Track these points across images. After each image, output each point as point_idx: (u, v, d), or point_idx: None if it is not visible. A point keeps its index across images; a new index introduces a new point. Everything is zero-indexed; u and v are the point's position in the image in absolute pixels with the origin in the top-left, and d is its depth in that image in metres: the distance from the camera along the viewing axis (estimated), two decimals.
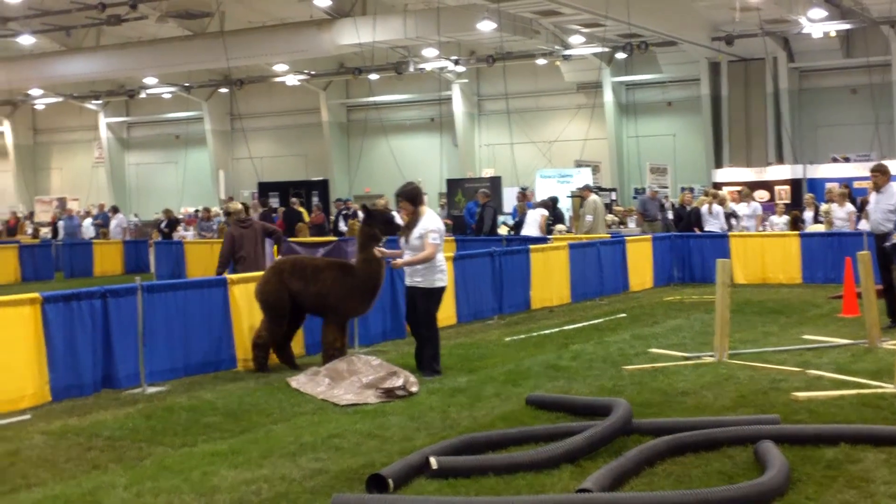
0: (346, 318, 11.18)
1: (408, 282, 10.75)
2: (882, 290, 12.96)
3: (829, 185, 26.51)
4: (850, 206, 21.30)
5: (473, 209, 25.43)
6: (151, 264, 26.03)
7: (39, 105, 50.24)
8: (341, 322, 11.06)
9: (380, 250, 10.82)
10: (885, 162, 31.72)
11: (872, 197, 13.34)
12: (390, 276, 12.75)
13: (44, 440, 8.21)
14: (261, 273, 11.69)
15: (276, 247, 13.92)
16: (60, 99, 47.62)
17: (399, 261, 10.70)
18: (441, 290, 10.76)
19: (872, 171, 13.31)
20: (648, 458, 6.85)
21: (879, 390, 9.06)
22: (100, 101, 48.37)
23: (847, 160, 34.52)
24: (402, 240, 10.74)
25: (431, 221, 10.64)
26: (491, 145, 42.85)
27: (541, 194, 29.42)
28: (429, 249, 10.44)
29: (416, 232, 10.55)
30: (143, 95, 45.71)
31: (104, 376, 10.31)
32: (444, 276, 10.75)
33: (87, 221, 34.15)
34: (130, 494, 6.54)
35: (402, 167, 37.67)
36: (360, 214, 25.11)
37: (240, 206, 14.43)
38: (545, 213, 23.52)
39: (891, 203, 12.86)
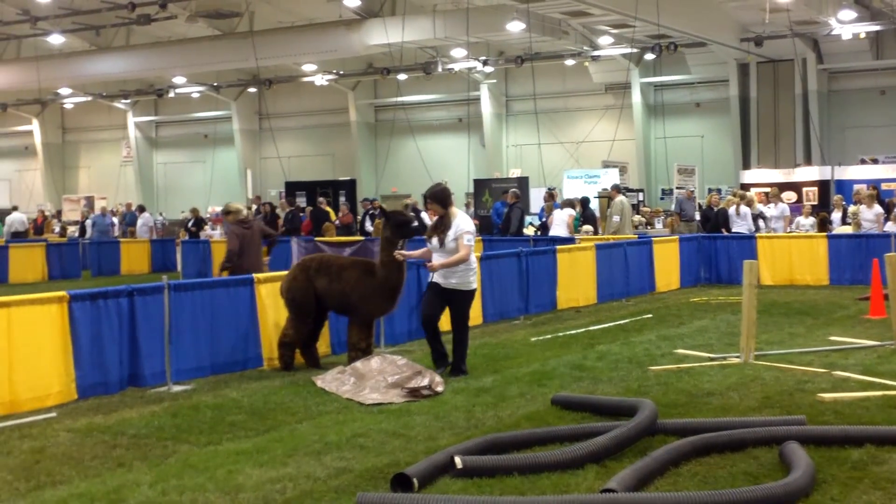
0: (368, 317, 11.08)
1: (443, 283, 10.52)
2: None
3: (857, 187, 26.33)
4: (878, 208, 21.16)
5: (500, 209, 25.38)
6: (178, 263, 26.16)
7: (68, 104, 50.65)
8: (365, 321, 11.02)
9: (400, 253, 10.68)
10: None
11: None
12: (417, 276, 12.77)
13: (69, 438, 8.27)
14: (285, 272, 11.72)
15: (265, 248, 13.98)
16: (89, 98, 47.97)
17: (435, 263, 10.49)
18: (475, 291, 10.78)
19: None
20: (674, 458, 6.83)
21: None
22: (128, 101, 48.71)
23: (875, 162, 34.28)
24: (435, 241, 10.55)
25: (465, 223, 10.56)
26: (518, 146, 42.84)
27: (568, 195, 29.32)
28: (463, 251, 10.37)
29: (451, 234, 10.43)
30: (171, 95, 45.96)
31: (130, 374, 10.36)
32: (476, 277, 10.78)
33: (140, 220, 34.04)
34: (155, 492, 6.58)
35: (430, 167, 37.70)
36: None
37: (240, 206, 14.46)
38: (572, 212, 23.48)
39: None
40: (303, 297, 11.11)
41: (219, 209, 38.48)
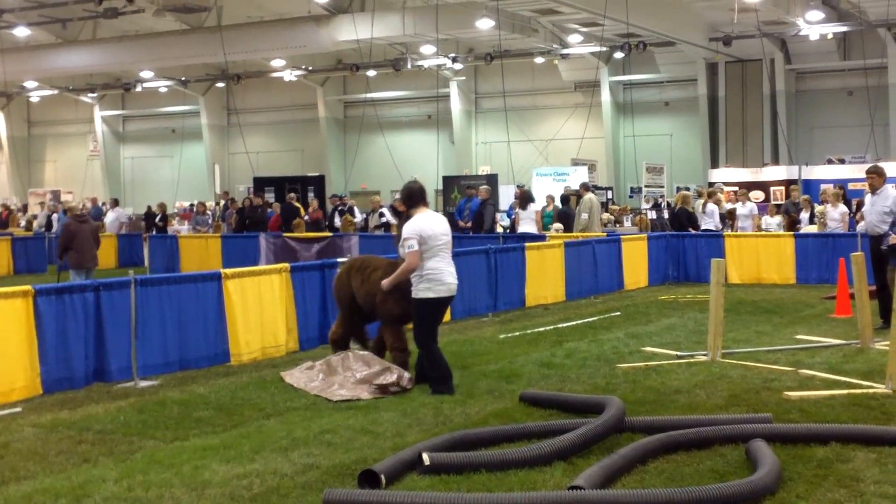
0: (387, 319, 10.31)
1: None
2: (875, 291, 12.95)
3: (823, 187, 26.53)
4: (843, 207, 21.33)
5: (462, 206, 25.27)
6: (145, 258, 25.99)
7: (34, 97, 50.15)
8: (389, 323, 10.31)
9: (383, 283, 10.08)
10: (880, 164, 31.82)
11: (868, 198, 13.32)
12: None
13: (34, 433, 8.19)
14: (252, 267, 11.65)
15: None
16: (56, 91, 47.54)
17: (384, 281, 9.94)
18: (426, 302, 9.48)
19: (868, 172, 13.27)
20: (641, 456, 6.86)
21: (870, 390, 9.08)
22: (95, 94, 48.36)
23: (842, 162, 34.57)
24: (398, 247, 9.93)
25: (409, 227, 9.51)
26: (488, 143, 42.87)
27: (537, 192, 29.30)
28: (406, 259, 9.47)
29: (402, 240, 9.62)
30: (139, 89, 45.59)
31: (96, 370, 10.28)
32: (432, 285, 9.47)
33: (112, 215, 33.20)
34: (121, 488, 6.52)
35: (399, 164, 37.66)
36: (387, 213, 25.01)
37: (75, 203, 15.50)
38: (538, 209, 23.53)
39: (886, 205, 12.84)
40: (341, 295, 10.93)
41: (186, 204, 38.37)
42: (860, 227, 19.93)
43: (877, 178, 13.11)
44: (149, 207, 34.10)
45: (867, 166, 14.37)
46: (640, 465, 6.77)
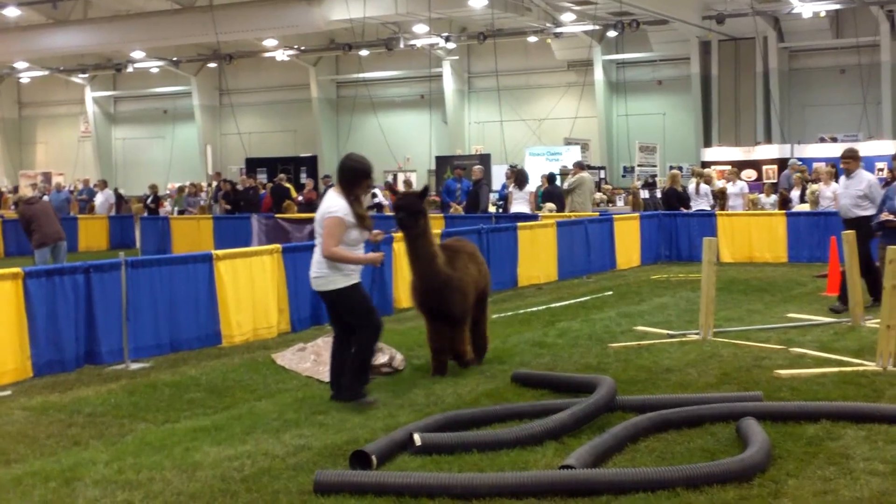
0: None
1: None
2: (861, 271, 12.94)
3: (816, 165, 26.50)
4: (836, 186, 21.30)
5: (453, 186, 25.16)
6: (137, 240, 25.93)
7: (25, 78, 49.95)
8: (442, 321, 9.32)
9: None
10: (871, 143, 31.78)
11: (842, 181, 13.26)
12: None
13: (24, 416, 8.18)
14: (244, 248, 11.62)
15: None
16: (46, 72, 47.35)
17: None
18: (341, 291, 8.17)
19: (843, 156, 13.15)
20: (632, 434, 6.87)
21: (861, 368, 9.10)
22: (86, 75, 48.13)
23: (835, 140, 34.56)
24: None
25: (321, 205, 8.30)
26: (481, 122, 42.79)
27: (531, 172, 29.22)
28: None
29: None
30: (130, 69, 45.40)
31: (87, 352, 10.26)
32: (341, 275, 8.15)
33: (101, 197, 32.87)
34: (111, 471, 6.51)
35: (392, 144, 37.61)
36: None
37: (22, 195, 15.98)
38: (532, 189, 23.46)
39: (860, 188, 12.77)
40: None
41: (178, 186, 38.23)
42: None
43: (852, 161, 13.03)
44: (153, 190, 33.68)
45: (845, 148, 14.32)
46: (632, 444, 6.79)
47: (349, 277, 8.16)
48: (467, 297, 9.30)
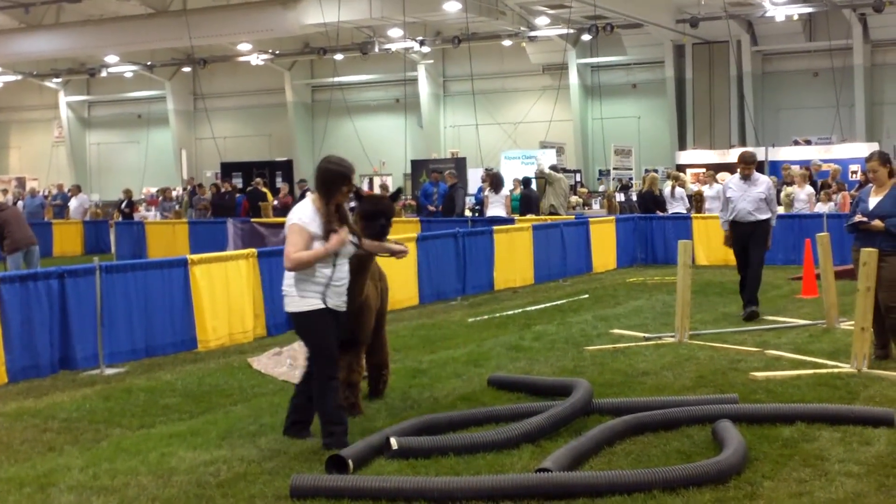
0: None
1: None
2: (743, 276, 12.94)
3: (785, 166, 26.61)
4: (809, 188, 21.44)
5: (430, 190, 25.17)
6: (112, 245, 25.79)
7: None
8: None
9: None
10: (844, 145, 31.95)
11: (738, 185, 12.72)
12: None
13: None
14: (220, 252, 11.56)
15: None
16: (19, 77, 46.98)
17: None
18: (304, 315, 7.06)
19: (745, 161, 12.76)
20: (608, 437, 6.88)
21: (836, 370, 9.15)
22: (60, 80, 47.89)
23: (808, 143, 34.82)
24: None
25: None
26: (456, 126, 42.83)
27: (506, 176, 29.26)
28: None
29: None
30: (104, 74, 45.19)
31: (62, 357, 10.19)
32: (313, 292, 7.03)
33: (76, 202, 32.56)
34: (86, 476, 6.47)
35: (367, 148, 37.56)
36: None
37: None
38: (508, 193, 23.50)
39: (760, 191, 12.64)
40: None
41: (153, 190, 38.08)
42: (819, 207, 20.06)
43: (751, 166, 12.88)
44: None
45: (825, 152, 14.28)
46: (608, 447, 6.80)
47: (306, 300, 6.99)
48: (372, 318, 8.32)
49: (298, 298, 7.02)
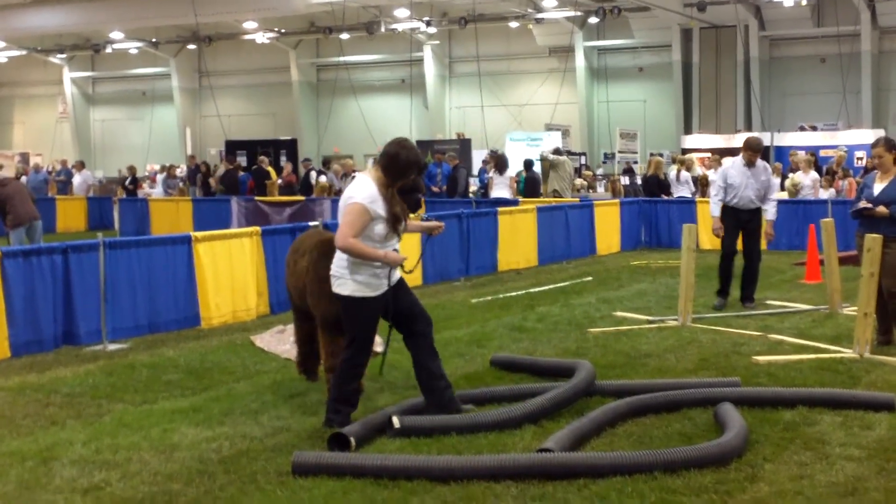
0: (323, 321, 7.83)
1: None
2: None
3: (793, 152, 26.54)
4: (814, 174, 21.41)
5: (433, 171, 25.10)
6: (116, 221, 25.80)
7: (2, 58, 49.43)
8: (324, 326, 7.83)
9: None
10: (850, 131, 31.77)
11: (740, 171, 12.37)
12: None
13: (1, 396, 8.12)
14: (224, 230, 11.55)
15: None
16: (24, 52, 46.91)
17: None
18: (353, 300, 6.91)
19: (749, 148, 12.31)
20: (610, 419, 6.88)
21: (838, 355, 9.15)
22: (64, 56, 47.76)
23: (814, 129, 34.72)
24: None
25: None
26: (462, 108, 42.75)
27: (512, 157, 29.19)
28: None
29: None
30: (109, 50, 45.09)
31: (65, 332, 10.21)
32: (362, 276, 6.89)
33: (79, 178, 32.61)
34: (89, 451, 6.49)
35: (372, 128, 37.51)
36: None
37: None
38: (513, 175, 23.48)
39: (764, 179, 12.41)
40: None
41: (157, 167, 38.06)
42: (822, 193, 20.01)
43: (758, 154, 12.60)
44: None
45: (832, 134, 14.08)
46: (610, 428, 6.80)
47: (364, 288, 6.87)
48: None
49: (351, 283, 6.87)
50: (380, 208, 6.79)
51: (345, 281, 6.90)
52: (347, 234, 6.70)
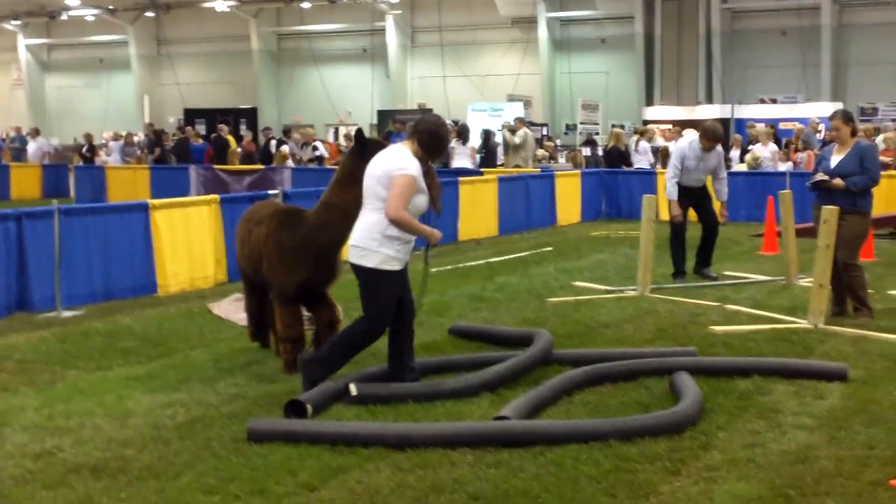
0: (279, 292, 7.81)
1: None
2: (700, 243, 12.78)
3: (750, 124, 26.60)
4: (773, 146, 21.53)
5: (395, 140, 24.99)
6: (71, 189, 25.50)
7: None
8: (280, 298, 7.79)
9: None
10: (810, 104, 31.92)
11: (696, 155, 12.14)
12: None
13: None
14: (180, 198, 11.44)
15: None
16: None
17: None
18: (384, 273, 6.93)
19: (711, 138, 12.17)
20: (567, 387, 6.90)
21: (793, 325, 9.24)
22: (19, 22, 46.99)
23: (774, 101, 34.93)
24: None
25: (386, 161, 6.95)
26: (423, 77, 42.54)
27: (474, 127, 29.13)
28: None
29: None
30: (64, 17, 44.41)
31: (18, 300, 10.10)
32: (382, 254, 6.90)
33: (34, 145, 32.01)
34: (41, 417, 6.42)
35: (333, 98, 37.34)
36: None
37: None
38: (474, 145, 23.42)
39: (714, 163, 12.40)
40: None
41: (112, 135, 37.56)
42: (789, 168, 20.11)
43: (718, 143, 12.52)
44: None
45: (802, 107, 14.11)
46: (567, 397, 6.82)
47: (393, 261, 6.89)
48: None
49: (380, 255, 6.83)
50: (422, 182, 6.85)
51: (371, 253, 6.84)
52: (399, 206, 6.68)
